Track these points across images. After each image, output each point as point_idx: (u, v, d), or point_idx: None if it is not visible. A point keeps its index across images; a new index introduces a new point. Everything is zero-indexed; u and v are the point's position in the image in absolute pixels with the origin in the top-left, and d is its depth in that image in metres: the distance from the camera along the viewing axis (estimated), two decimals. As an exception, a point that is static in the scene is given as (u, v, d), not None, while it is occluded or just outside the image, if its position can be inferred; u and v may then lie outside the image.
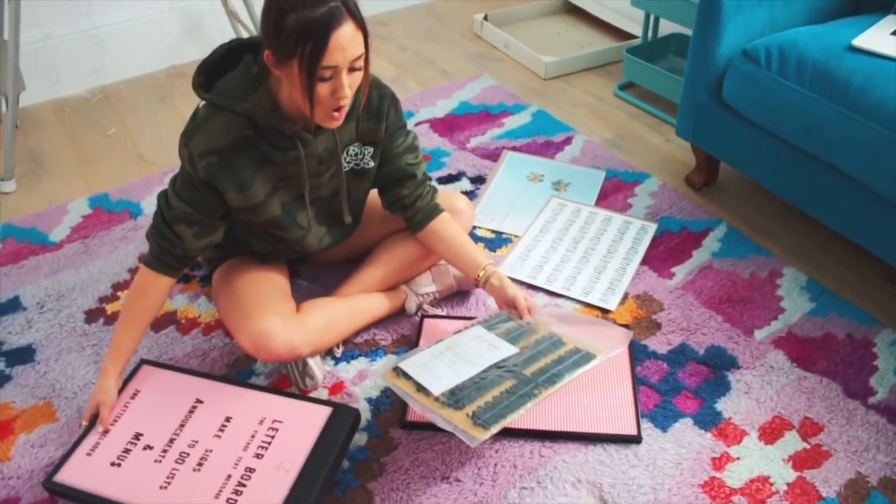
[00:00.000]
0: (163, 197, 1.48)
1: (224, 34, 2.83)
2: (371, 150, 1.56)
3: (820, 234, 2.00)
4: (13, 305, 1.83)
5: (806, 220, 2.04)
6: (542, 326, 1.57)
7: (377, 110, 1.53)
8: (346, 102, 1.35)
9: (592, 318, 1.72)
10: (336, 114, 1.36)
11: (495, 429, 1.33)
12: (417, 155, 1.63)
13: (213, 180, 1.42)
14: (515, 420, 1.37)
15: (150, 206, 2.13)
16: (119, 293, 1.86)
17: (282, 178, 1.48)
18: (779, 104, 1.78)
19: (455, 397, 1.39)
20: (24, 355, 1.70)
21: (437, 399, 1.39)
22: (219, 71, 1.45)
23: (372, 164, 1.57)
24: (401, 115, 1.58)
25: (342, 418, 1.43)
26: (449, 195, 1.78)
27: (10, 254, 1.99)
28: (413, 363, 1.48)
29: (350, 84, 1.33)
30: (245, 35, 2.70)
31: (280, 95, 1.40)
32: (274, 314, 1.48)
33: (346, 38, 1.28)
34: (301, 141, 1.44)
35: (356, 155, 1.56)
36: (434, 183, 1.71)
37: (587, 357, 1.49)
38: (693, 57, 1.97)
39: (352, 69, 1.32)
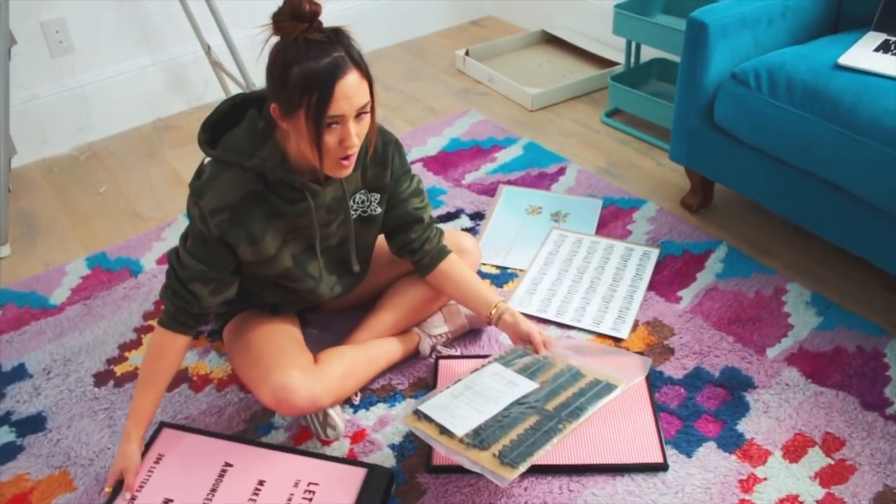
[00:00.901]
0: (174, 256, 1.47)
1: (209, 85, 2.84)
2: (377, 196, 1.57)
3: (818, 249, 2.03)
4: (19, 373, 1.80)
5: (804, 236, 2.07)
6: (559, 360, 1.57)
7: (382, 157, 1.54)
8: (355, 151, 1.36)
9: (608, 348, 1.73)
10: (345, 162, 1.36)
11: (523, 467, 1.33)
12: (423, 199, 1.64)
13: (227, 237, 1.41)
14: (542, 456, 1.36)
15: (149, 262, 2.12)
16: (127, 354, 1.83)
17: (291, 229, 1.48)
18: (772, 125, 1.82)
19: (479, 437, 1.39)
20: (34, 424, 1.67)
21: (461, 440, 1.39)
22: (223, 126, 1.45)
23: (379, 210, 1.58)
24: (405, 161, 1.59)
25: (378, 479, 1.42)
26: (455, 235, 1.78)
27: (11, 320, 1.96)
28: (433, 405, 1.47)
29: (357, 132, 1.34)
30: (231, 85, 2.71)
31: (288, 148, 1.41)
32: (294, 367, 1.47)
33: (351, 87, 1.29)
34: (310, 192, 1.44)
35: (363, 202, 1.56)
36: (439, 225, 1.71)
37: (608, 388, 1.50)
38: (682, 83, 2.00)
39: (359, 116, 1.33)
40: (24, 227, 2.32)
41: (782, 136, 1.81)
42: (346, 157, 1.36)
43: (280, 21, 1.29)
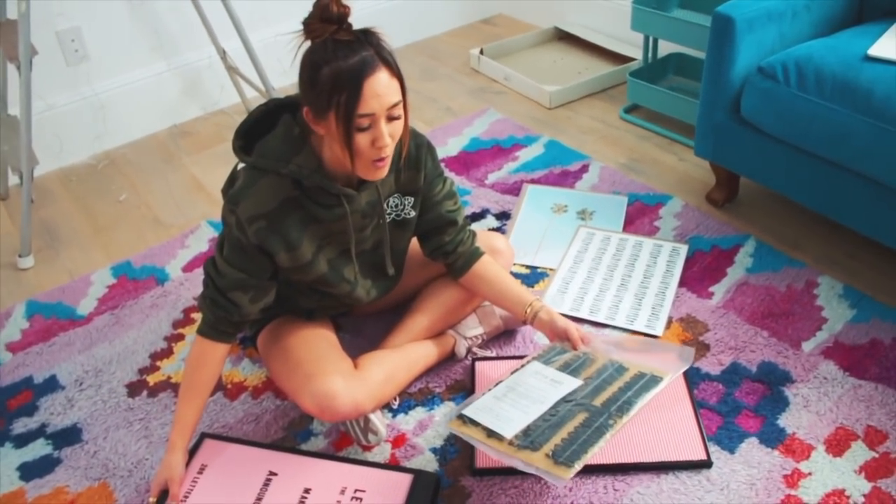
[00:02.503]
0: (211, 265, 1.47)
1: (224, 90, 2.83)
2: (411, 199, 1.56)
3: (847, 241, 2.03)
4: (51, 385, 1.79)
5: (832, 228, 2.06)
6: (600, 355, 1.56)
7: (415, 160, 1.53)
8: (388, 152, 1.35)
9: (647, 340, 1.72)
10: (378, 164, 1.35)
11: (579, 465, 1.31)
12: (456, 201, 1.63)
13: (265, 244, 1.40)
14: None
15: (175, 270, 2.11)
16: (158, 363, 1.82)
17: (326, 234, 1.47)
18: (801, 118, 1.81)
19: (529, 438, 1.38)
20: (70, 436, 1.67)
21: (511, 443, 1.37)
22: (256, 132, 1.44)
23: (413, 213, 1.57)
24: (438, 163, 1.58)
25: (425, 484, 1.41)
26: (487, 235, 1.78)
27: (40, 331, 1.95)
28: (478, 408, 1.47)
29: (390, 133, 1.33)
30: (247, 89, 2.70)
31: (323, 154, 1.40)
32: (336, 373, 1.46)
33: (381, 85, 1.28)
34: (346, 198, 1.44)
35: (397, 206, 1.55)
36: (472, 228, 1.70)
37: (654, 380, 1.48)
38: (708, 78, 1.99)
39: (390, 118, 1.32)
40: (45, 237, 2.32)
41: (812, 130, 1.80)
42: (380, 160, 1.35)
43: (310, 24, 1.29)
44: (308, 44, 1.31)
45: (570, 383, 1.49)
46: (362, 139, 1.31)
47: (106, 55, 2.60)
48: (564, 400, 1.45)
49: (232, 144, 1.45)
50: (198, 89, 2.83)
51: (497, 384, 1.53)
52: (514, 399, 1.47)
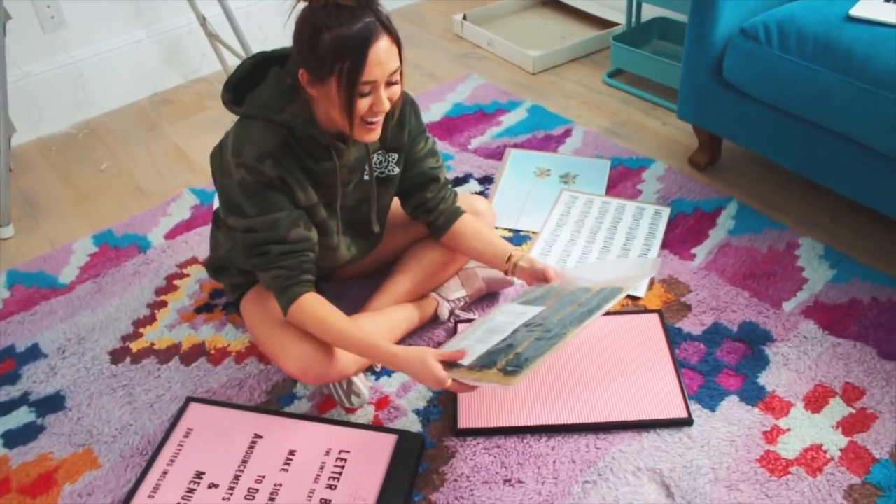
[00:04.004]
0: (249, 247, 1.42)
1: (205, 57, 2.80)
2: (395, 156, 1.55)
3: (829, 203, 2.04)
4: (33, 353, 1.79)
5: (813, 191, 2.07)
6: (568, 284, 1.55)
7: (399, 116, 1.53)
8: (383, 116, 1.35)
9: (620, 261, 1.72)
10: (371, 126, 1.35)
11: (528, 370, 1.29)
12: (438, 159, 1.63)
13: (284, 175, 1.39)
14: (567, 412, 1.36)
15: (157, 238, 2.10)
16: (141, 330, 1.82)
17: (313, 186, 1.46)
18: (783, 79, 1.81)
19: (485, 360, 1.36)
20: (53, 403, 1.66)
21: (470, 368, 1.36)
22: (244, 87, 1.43)
23: (397, 170, 1.57)
24: (421, 120, 1.58)
25: (409, 444, 1.42)
26: (468, 198, 1.77)
27: (21, 300, 1.94)
28: (447, 347, 1.47)
29: (388, 97, 1.32)
30: (229, 56, 2.67)
31: (315, 110, 1.39)
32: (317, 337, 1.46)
33: (383, 53, 1.27)
34: (336, 151, 1.43)
35: (381, 163, 1.55)
36: (453, 188, 1.70)
37: (613, 292, 1.46)
38: (690, 40, 1.99)
39: (389, 83, 1.31)
40: (25, 206, 2.29)
41: (794, 90, 1.80)
42: (373, 122, 1.35)
43: None
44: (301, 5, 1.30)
45: (534, 311, 1.48)
46: (362, 104, 1.32)
47: (83, 22, 2.55)
48: (524, 325, 1.44)
49: (221, 97, 1.45)
50: (178, 57, 2.79)
51: (467, 330, 1.53)
52: (480, 335, 1.46)
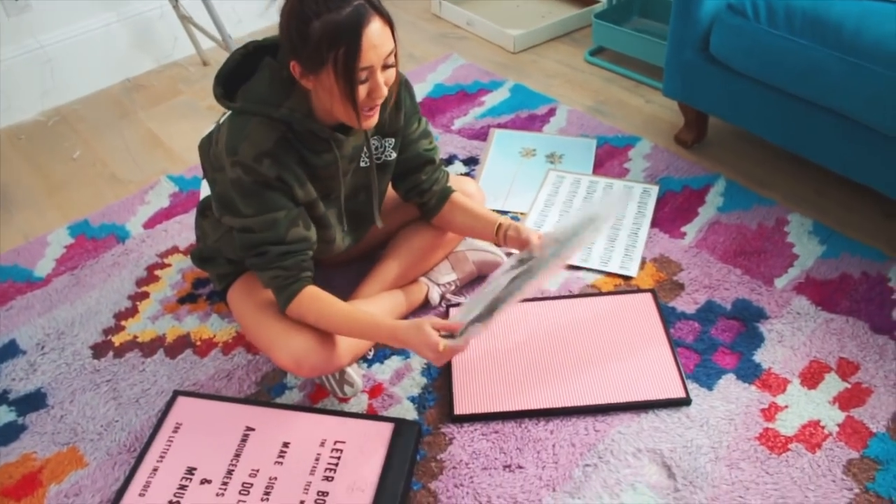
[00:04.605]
0: (245, 243, 1.38)
1: (178, 41, 2.73)
2: (391, 141, 1.51)
3: (816, 178, 2.03)
4: (11, 350, 1.73)
5: (800, 166, 2.07)
6: (551, 242, 1.52)
7: (396, 99, 1.48)
8: (381, 101, 1.31)
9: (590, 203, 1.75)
10: (370, 112, 1.31)
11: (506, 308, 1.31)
12: (431, 140, 1.59)
13: (282, 175, 1.34)
14: (565, 395, 1.33)
15: (135, 227, 2.04)
16: (123, 323, 1.77)
17: (313, 179, 1.42)
18: (771, 55, 1.79)
19: (477, 319, 1.35)
20: (34, 401, 1.61)
21: (462, 332, 1.34)
22: (236, 78, 1.37)
23: (394, 155, 1.53)
24: (415, 100, 1.54)
25: (406, 432, 1.39)
26: (457, 180, 1.74)
27: (-4, 295, 1.88)
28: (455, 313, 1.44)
29: (385, 81, 1.28)
30: (202, 39, 2.60)
31: (312, 102, 1.34)
32: (311, 327, 1.42)
33: (376, 35, 1.23)
34: (336, 143, 1.38)
35: (377, 149, 1.51)
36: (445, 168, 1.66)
37: (591, 224, 1.46)
38: (676, 16, 1.96)
39: (385, 66, 1.27)
40: (-4, 198, 2.22)
41: (782, 66, 1.78)
42: (371, 108, 1.31)
43: None
44: None
45: (520, 270, 1.45)
46: (360, 91, 1.27)
47: (50, 5, 2.46)
48: (511, 280, 1.41)
49: (213, 91, 1.38)
50: (150, 41, 2.71)
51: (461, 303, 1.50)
52: (473, 304, 1.42)
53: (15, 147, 2.43)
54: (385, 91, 1.29)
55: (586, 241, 1.45)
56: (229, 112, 1.37)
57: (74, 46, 2.55)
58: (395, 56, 1.30)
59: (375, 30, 1.23)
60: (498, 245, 1.60)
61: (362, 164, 1.49)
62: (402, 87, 1.48)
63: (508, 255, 1.68)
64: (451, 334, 1.34)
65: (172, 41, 2.72)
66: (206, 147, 1.47)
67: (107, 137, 2.43)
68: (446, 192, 1.61)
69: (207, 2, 2.30)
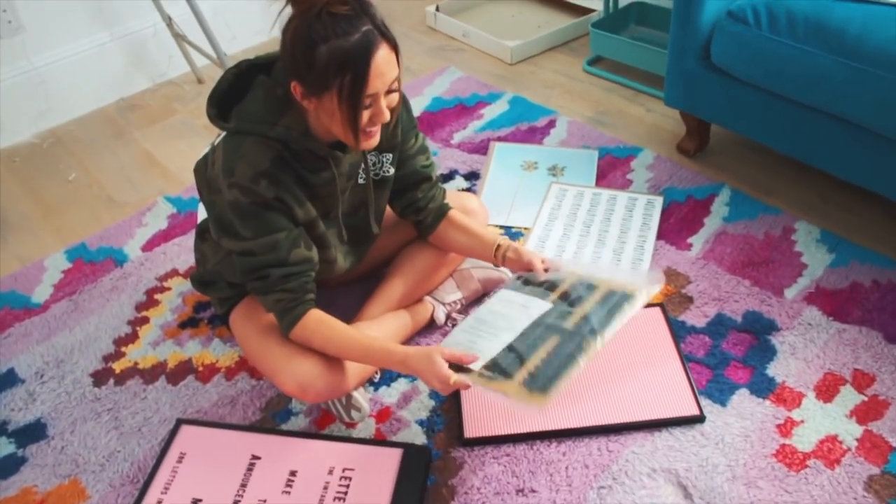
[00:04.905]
0: (246, 267, 1.35)
1: (172, 59, 2.70)
2: (389, 156, 1.49)
3: (819, 184, 2.01)
4: (10, 379, 1.69)
5: (804, 173, 2.04)
6: (568, 275, 1.50)
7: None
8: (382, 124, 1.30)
9: (615, 267, 1.68)
10: (371, 131, 1.29)
11: (555, 393, 1.25)
12: (428, 156, 1.57)
13: (280, 195, 1.31)
14: (577, 415, 1.31)
15: (133, 250, 2.00)
16: (123, 349, 1.73)
17: (312, 198, 1.39)
18: (774, 62, 1.77)
19: (500, 368, 1.30)
20: (34, 432, 1.58)
21: (481, 374, 1.30)
22: (229, 98, 1.35)
23: (391, 171, 1.50)
24: (412, 115, 1.51)
25: (415, 458, 1.36)
26: (459, 196, 1.71)
27: (-7, 323, 1.84)
28: (447, 344, 1.39)
29: (387, 105, 1.26)
30: (197, 57, 2.58)
31: (309, 121, 1.32)
32: (316, 352, 1.39)
33: (384, 63, 1.21)
34: (334, 161, 1.36)
35: (375, 164, 1.48)
36: (442, 185, 1.64)
37: (626, 297, 1.41)
38: (676, 24, 1.94)
39: (388, 91, 1.24)
40: (-9, 223, 2.19)
41: (785, 73, 1.76)
42: (372, 130, 1.30)
43: None
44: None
45: (539, 306, 1.42)
46: (363, 117, 1.25)
47: (43, 26, 2.44)
48: (535, 324, 1.38)
49: (206, 112, 1.35)
50: (144, 60, 2.68)
51: (464, 319, 1.47)
52: (483, 329, 1.40)
53: (10, 170, 2.40)
54: (388, 116, 1.27)
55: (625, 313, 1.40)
56: (224, 133, 1.34)
57: (68, 67, 2.52)
58: (399, 80, 1.27)
59: (383, 57, 1.21)
60: (496, 266, 1.57)
61: (360, 181, 1.46)
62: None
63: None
64: (460, 365, 1.31)
65: (167, 60, 2.70)
66: (203, 169, 1.44)
67: (102, 158, 2.40)
68: (443, 210, 1.59)
69: (201, 20, 2.28)
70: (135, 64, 2.66)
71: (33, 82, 2.47)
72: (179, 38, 2.54)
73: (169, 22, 2.50)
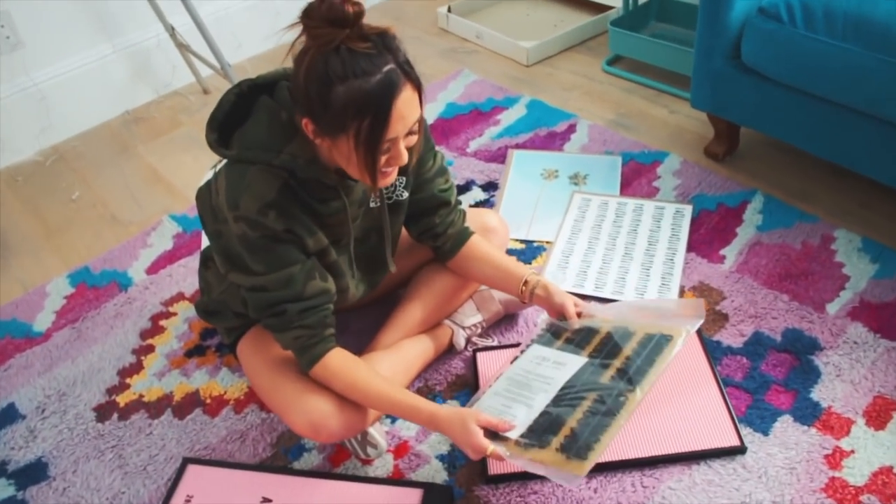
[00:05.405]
0: (262, 304, 1.26)
1: (177, 70, 2.62)
2: (403, 179, 1.39)
3: (859, 189, 1.89)
4: (10, 415, 1.62)
5: (840, 176, 1.93)
6: (603, 324, 1.41)
7: None
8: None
9: (651, 301, 1.58)
10: (387, 170, 1.20)
11: (594, 457, 1.17)
12: (448, 178, 1.46)
13: (291, 225, 1.22)
14: (609, 448, 1.21)
15: (138, 273, 1.92)
16: (128, 380, 1.65)
17: (321, 227, 1.30)
18: (811, 61, 1.66)
19: (536, 434, 1.23)
20: (35, 473, 1.50)
21: (517, 443, 1.23)
22: (230, 121, 1.25)
23: (405, 195, 1.41)
24: (429, 136, 1.41)
25: (436, 498, 1.27)
26: (478, 213, 1.62)
27: (-7, 354, 1.77)
28: (482, 409, 1.32)
29: (406, 145, 1.17)
30: (201, 67, 2.49)
31: (317, 149, 1.22)
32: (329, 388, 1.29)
33: (406, 106, 1.11)
34: (344, 190, 1.27)
35: (388, 188, 1.38)
36: (462, 206, 1.54)
37: (665, 340, 1.32)
38: (703, 23, 1.83)
39: (409, 133, 1.15)
40: (-7, 246, 2.12)
41: (824, 73, 1.65)
42: (388, 170, 1.21)
43: (313, 29, 1.08)
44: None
45: (574, 363, 1.34)
46: (380, 159, 1.16)
47: (42, 40, 2.36)
48: (569, 384, 1.30)
49: (206, 138, 1.26)
50: (148, 71, 2.60)
51: (497, 379, 1.38)
52: (516, 392, 1.32)
53: (12, 189, 2.33)
54: (406, 158, 1.17)
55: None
56: (226, 162, 1.25)
57: (70, 81, 2.44)
58: (421, 121, 1.18)
59: (405, 100, 1.11)
60: (523, 302, 1.47)
61: (372, 205, 1.37)
62: None
63: None
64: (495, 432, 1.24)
65: (171, 70, 2.62)
66: (206, 197, 1.35)
67: (106, 175, 2.32)
68: (463, 236, 1.49)
69: (203, 29, 2.19)
70: (138, 76, 2.58)
71: (34, 98, 2.40)
72: (183, 48, 2.45)
73: (172, 32, 2.42)
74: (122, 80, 2.55)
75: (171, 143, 2.43)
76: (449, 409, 1.25)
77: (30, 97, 2.39)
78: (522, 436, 1.24)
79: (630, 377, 1.27)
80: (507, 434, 1.25)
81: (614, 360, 1.31)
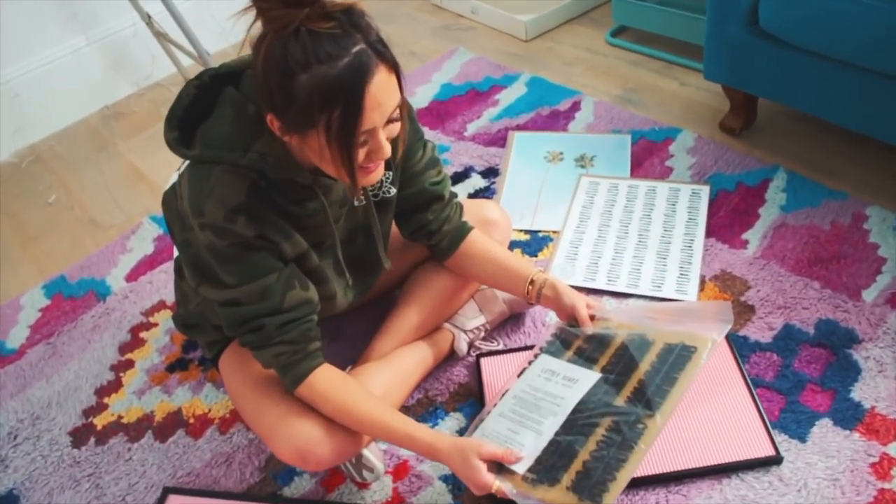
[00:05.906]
0: (237, 320, 1.13)
1: (157, 60, 2.48)
2: (390, 174, 1.25)
3: (890, 161, 1.74)
4: (-19, 441, 1.50)
5: (870, 149, 1.78)
6: (618, 330, 1.27)
7: None
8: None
9: (671, 304, 1.45)
10: (371, 166, 1.05)
11: (609, 500, 1.05)
12: (440, 170, 1.32)
13: (264, 230, 1.09)
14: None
15: (117, 281, 1.80)
16: (105, 400, 1.53)
17: (299, 230, 1.16)
18: (835, 22, 1.51)
19: (545, 468, 1.11)
20: (7, 505, 1.39)
21: (524, 479, 1.10)
22: (193, 116, 1.11)
23: (393, 190, 1.27)
24: (416, 124, 1.27)
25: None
26: (477, 205, 1.48)
27: (-36, 374, 1.65)
28: (482, 436, 1.19)
29: (387, 136, 1.03)
30: (182, 57, 2.35)
31: (288, 145, 1.08)
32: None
33: (381, 92, 0.96)
34: (322, 189, 1.13)
35: (374, 185, 1.24)
36: (458, 199, 1.40)
37: (686, 353, 1.19)
38: (716, -14, 1.68)
39: (389, 121, 1.01)
40: (-35, 256, 2.00)
41: (849, 35, 1.50)
42: (370, 166, 1.06)
43: (266, 7, 0.94)
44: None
45: (586, 379, 1.21)
46: (359, 154, 1.02)
47: (11, 35, 2.23)
48: (581, 405, 1.17)
49: (164, 137, 1.11)
50: (126, 63, 2.46)
51: (502, 395, 1.25)
52: (524, 414, 1.19)
53: (-14, 194, 2.21)
54: (388, 151, 1.03)
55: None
56: (188, 164, 1.12)
57: (44, 77, 2.31)
58: (402, 106, 1.03)
59: (380, 84, 0.96)
60: (529, 303, 1.33)
61: (356, 203, 1.23)
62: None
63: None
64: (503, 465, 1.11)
65: (150, 61, 2.48)
66: (172, 202, 1.22)
67: (85, 175, 2.20)
68: (461, 232, 1.35)
69: (176, 15, 2.05)
70: (116, 68, 2.44)
71: (6, 97, 2.27)
72: (161, 36, 2.31)
73: (148, 20, 2.28)
74: (98, 74, 2.42)
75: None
76: (449, 441, 1.12)
77: (2, 95, 2.26)
78: (530, 469, 1.11)
79: (648, 399, 1.14)
80: (514, 467, 1.12)
81: (631, 375, 1.18)
